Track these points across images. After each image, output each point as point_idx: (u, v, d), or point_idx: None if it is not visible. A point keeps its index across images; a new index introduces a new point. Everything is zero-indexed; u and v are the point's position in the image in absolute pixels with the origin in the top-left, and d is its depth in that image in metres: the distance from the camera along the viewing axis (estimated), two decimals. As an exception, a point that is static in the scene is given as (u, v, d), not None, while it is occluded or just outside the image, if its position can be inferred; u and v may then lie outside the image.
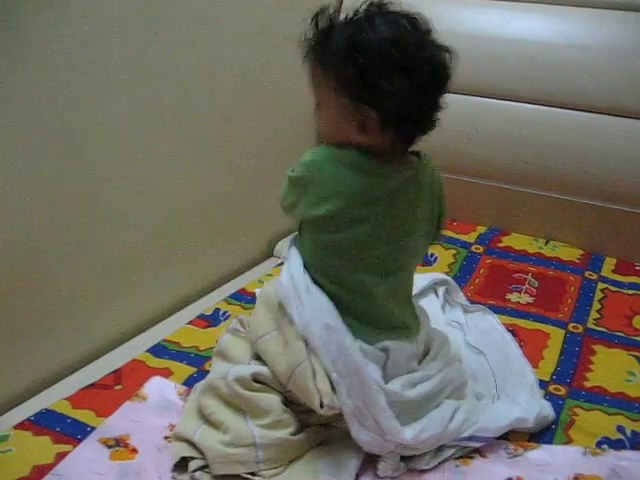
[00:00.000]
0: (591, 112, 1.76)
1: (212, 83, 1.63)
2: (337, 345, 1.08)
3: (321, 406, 1.05)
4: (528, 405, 1.20)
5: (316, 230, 1.12)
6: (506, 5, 1.86)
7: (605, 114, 1.75)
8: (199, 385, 1.19)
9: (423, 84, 1.02)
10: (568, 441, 1.17)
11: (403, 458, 1.12)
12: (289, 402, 1.12)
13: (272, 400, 1.10)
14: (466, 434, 1.14)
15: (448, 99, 1.95)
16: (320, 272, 1.12)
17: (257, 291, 1.53)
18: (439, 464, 1.12)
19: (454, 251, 1.80)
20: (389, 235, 1.10)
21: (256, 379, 1.12)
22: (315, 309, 1.09)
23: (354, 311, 1.11)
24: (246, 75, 1.72)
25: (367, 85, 1.02)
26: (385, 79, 1.00)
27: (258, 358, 1.16)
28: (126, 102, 1.43)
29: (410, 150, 1.13)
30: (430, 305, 1.46)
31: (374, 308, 1.13)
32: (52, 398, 1.26)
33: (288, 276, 1.13)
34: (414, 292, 1.25)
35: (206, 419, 1.13)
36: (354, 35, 1.02)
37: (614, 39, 1.74)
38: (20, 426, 1.17)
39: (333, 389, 1.07)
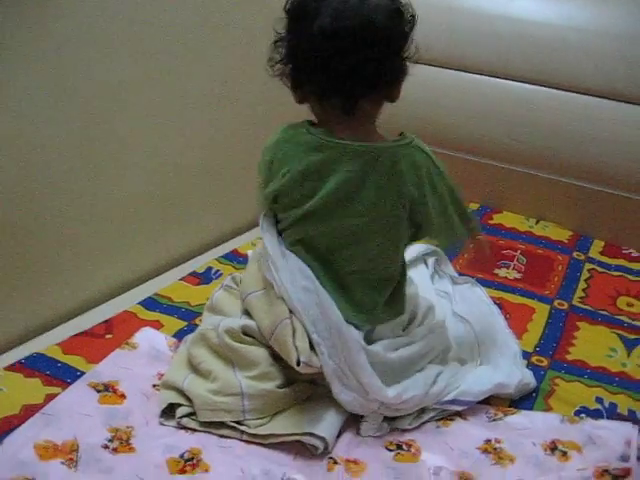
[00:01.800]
0: (587, 95, 1.77)
1: (213, 43, 1.63)
2: (317, 306, 1.10)
3: (298, 363, 1.07)
4: (510, 372, 1.22)
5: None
6: (510, -17, 1.87)
7: (601, 97, 1.76)
8: (189, 336, 1.21)
9: (328, 35, 1.00)
10: (547, 409, 1.20)
11: (386, 418, 1.14)
12: (277, 357, 1.14)
13: (260, 353, 1.13)
14: (448, 397, 1.17)
15: (447, 75, 1.98)
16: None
17: (249, 253, 1.55)
18: (420, 425, 1.15)
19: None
20: (322, 214, 1.10)
21: (245, 332, 1.15)
22: (292, 272, 1.11)
23: None
24: (250, 33, 1.71)
25: (286, 49, 1.07)
26: (290, 32, 1.06)
27: (248, 314, 1.19)
28: (128, 57, 1.43)
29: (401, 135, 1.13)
30: (419, 275, 1.49)
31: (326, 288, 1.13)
32: (43, 344, 1.28)
33: (264, 244, 1.16)
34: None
35: (195, 368, 1.15)
36: None
37: (614, 24, 1.75)
38: (11, 368, 1.19)
39: (313, 349, 1.09)
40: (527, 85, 1.83)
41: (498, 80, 1.86)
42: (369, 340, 1.15)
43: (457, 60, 1.88)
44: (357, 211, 1.10)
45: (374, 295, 1.16)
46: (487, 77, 1.87)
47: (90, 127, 1.40)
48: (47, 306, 1.42)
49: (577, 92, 1.78)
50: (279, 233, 1.16)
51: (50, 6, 1.26)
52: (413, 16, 1.07)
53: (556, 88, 1.81)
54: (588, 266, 1.70)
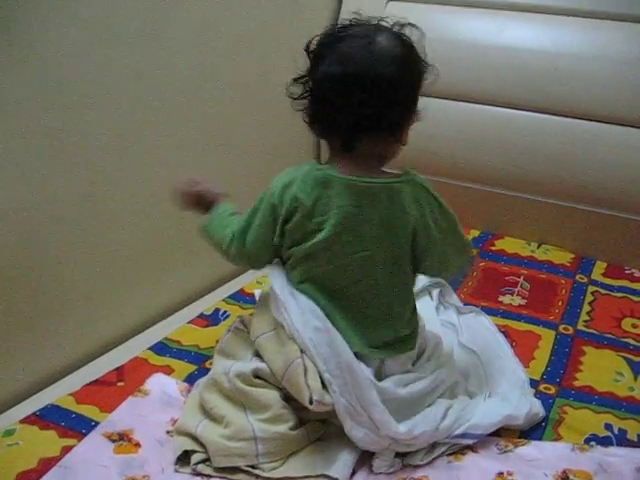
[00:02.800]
0: (582, 119, 1.80)
1: (213, 86, 1.66)
2: (328, 346, 1.12)
3: (310, 402, 1.09)
4: (519, 403, 1.23)
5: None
6: (500, 14, 1.90)
7: (596, 121, 1.79)
8: (201, 381, 1.23)
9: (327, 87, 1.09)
10: (557, 438, 1.21)
11: (398, 454, 1.15)
12: (288, 398, 1.15)
13: (272, 395, 1.14)
14: (459, 431, 1.17)
15: (445, 106, 2.01)
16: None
17: (256, 292, 1.57)
18: (432, 460, 1.15)
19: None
20: (329, 249, 1.13)
21: (256, 375, 1.16)
22: (303, 313, 1.14)
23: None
24: (248, 78, 1.76)
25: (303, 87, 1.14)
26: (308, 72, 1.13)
27: (258, 356, 1.20)
28: (127, 105, 1.46)
29: (404, 171, 1.16)
30: (424, 307, 1.49)
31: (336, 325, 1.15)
32: (56, 394, 1.29)
33: (273, 285, 1.18)
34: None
35: (208, 413, 1.17)
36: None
37: (605, 48, 1.78)
38: (26, 420, 1.20)
39: (325, 387, 1.10)
40: (523, 112, 1.85)
41: (495, 108, 1.89)
42: (379, 376, 1.17)
43: (454, 90, 1.90)
44: (361, 245, 1.13)
45: (387, 329, 1.18)
46: (484, 106, 1.90)
47: (93, 176, 1.42)
48: (58, 354, 1.43)
49: (573, 117, 1.81)
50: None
51: (52, 74, 1.29)
52: (422, 61, 1.15)
53: (552, 114, 1.83)
54: (591, 289, 1.71)
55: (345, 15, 2.00)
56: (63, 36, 1.29)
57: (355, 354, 1.13)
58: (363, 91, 1.07)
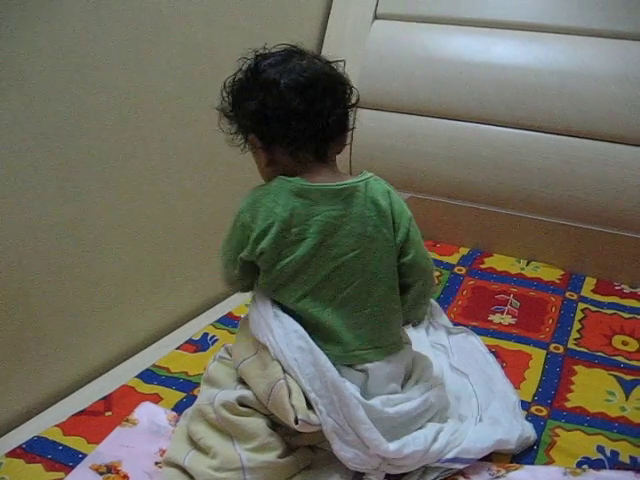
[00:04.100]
0: (570, 136, 1.80)
1: (199, 110, 1.66)
2: (312, 365, 1.11)
3: (296, 422, 1.08)
4: (510, 426, 1.22)
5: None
6: (487, 32, 1.90)
7: (582, 137, 1.79)
8: (189, 410, 1.22)
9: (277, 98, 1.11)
10: (549, 462, 1.20)
11: (390, 478, 1.14)
12: (276, 425, 1.14)
13: (258, 424, 1.13)
14: (450, 455, 1.16)
15: (432, 124, 2.01)
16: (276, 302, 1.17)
17: (242, 317, 1.56)
18: (424, 486, 1.15)
19: (437, 273, 1.82)
20: (316, 257, 1.13)
21: (242, 403, 1.15)
22: (287, 333, 1.13)
23: (316, 336, 1.14)
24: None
25: (242, 115, 1.16)
26: (247, 102, 1.14)
27: (243, 383, 1.19)
28: (112, 130, 1.46)
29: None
30: (414, 328, 1.49)
31: (329, 334, 1.15)
32: (43, 424, 1.28)
33: (255, 307, 1.18)
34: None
35: (195, 444, 1.15)
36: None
37: (591, 65, 1.79)
38: (12, 454, 1.19)
39: (310, 407, 1.10)
40: (510, 129, 1.86)
41: (481, 126, 1.89)
42: (364, 394, 1.15)
43: (441, 108, 1.91)
44: (348, 245, 1.14)
45: (385, 329, 1.18)
46: (470, 123, 1.90)
47: (79, 202, 1.41)
48: (44, 382, 1.42)
49: (559, 134, 1.81)
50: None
51: (36, 100, 1.28)
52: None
53: (538, 131, 1.84)
54: (581, 306, 1.71)
55: (331, 34, 2.02)
56: (45, 62, 1.28)
57: (339, 371, 1.12)
58: (327, 95, 1.12)
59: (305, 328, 1.13)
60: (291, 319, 1.14)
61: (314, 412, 1.09)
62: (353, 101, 1.18)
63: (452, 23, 1.94)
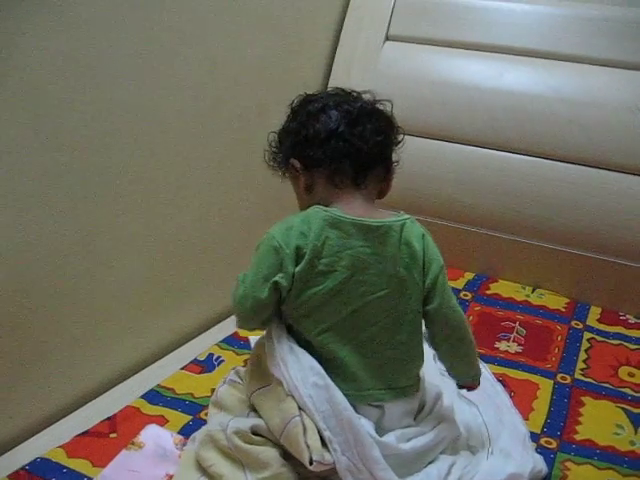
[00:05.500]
0: (579, 164, 1.81)
1: (211, 127, 1.65)
2: (328, 402, 1.09)
3: (310, 463, 1.06)
4: (522, 459, 1.21)
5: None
6: (500, 57, 1.91)
7: (592, 167, 1.80)
8: (197, 435, 1.19)
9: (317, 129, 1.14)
10: (561, 496, 1.19)
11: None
12: (288, 456, 1.12)
13: (271, 453, 1.11)
14: (462, 490, 1.15)
15: (442, 147, 2.02)
16: (294, 335, 1.15)
17: (251, 338, 1.54)
18: (437, 520, 1.13)
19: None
20: (344, 291, 1.11)
21: (255, 432, 1.13)
22: (303, 369, 1.11)
23: (331, 372, 1.12)
24: (242, 119, 1.74)
25: (285, 138, 1.19)
26: (291, 124, 1.19)
27: (255, 410, 1.17)
28: (125, 145, 1.44)
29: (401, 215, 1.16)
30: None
31: (344, 371, 1.12)
32: (45, 443, 1.25)
33: (270, 340, 1.15)
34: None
35: (205, 471, 1.13)
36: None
37: (601, 95, 1.80)
38: (15, 476, 1.16)
39: (325, 445, 1.07)
40: (520, 156, 1.86)
41: (491, 151, 1.89)
42: (379, 429, 1.14)
43: (452, 133, 1.91)
44: (378, 285, 1.12)
45: (403, 373, 1.17)
46: (481, 149, 1.90)
47: (86, 220, 1.39)
48: (47, 399, 1.40)
49: (568, 162, 1.82)
50: (287, 329, 1.16)
51: (49, 114, 1.27)
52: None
53: (546, 158, 1.84)
54: (587, 335, 1.71)
55: (342, 53, 2.02)
56: (61, 77, 1.27)
57: (353, 407, 1.10)
58: (369, 121, 1.15)
59: (320, 363, 1.11)
60: (307, 354, 1.12)
61: (328, 450, 1.07)
62: (398, 139, 1.20)
63: (465, 47, 1.95)
